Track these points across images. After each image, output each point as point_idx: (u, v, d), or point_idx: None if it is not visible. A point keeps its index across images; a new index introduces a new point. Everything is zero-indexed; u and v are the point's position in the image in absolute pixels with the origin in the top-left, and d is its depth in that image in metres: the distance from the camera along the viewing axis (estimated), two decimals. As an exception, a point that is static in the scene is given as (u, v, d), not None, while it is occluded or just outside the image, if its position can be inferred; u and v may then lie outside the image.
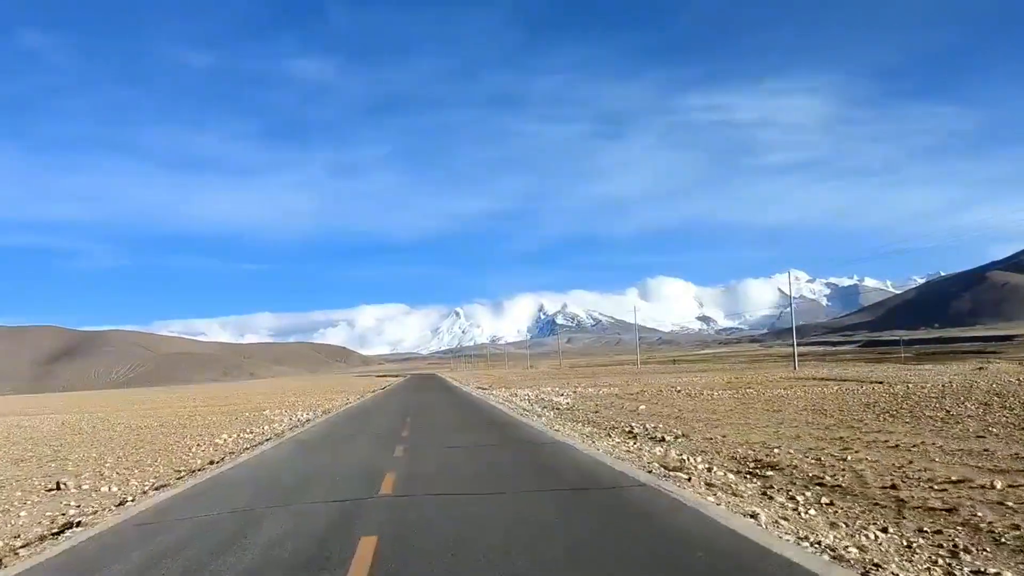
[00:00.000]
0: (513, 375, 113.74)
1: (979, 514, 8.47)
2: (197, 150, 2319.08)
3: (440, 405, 38.15)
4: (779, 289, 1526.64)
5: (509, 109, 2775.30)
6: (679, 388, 44.35)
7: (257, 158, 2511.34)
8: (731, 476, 11.82)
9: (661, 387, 46.74)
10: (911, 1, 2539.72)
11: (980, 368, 58.19)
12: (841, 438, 16.23)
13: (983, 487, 10.00)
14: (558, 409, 30.36)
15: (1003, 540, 7.44)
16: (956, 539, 7.51)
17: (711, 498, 9.78)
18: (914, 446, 14.38)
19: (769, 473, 12.02)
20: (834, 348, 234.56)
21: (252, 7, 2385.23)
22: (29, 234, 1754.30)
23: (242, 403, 58.95)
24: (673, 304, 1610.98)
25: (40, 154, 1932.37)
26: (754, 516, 8.54)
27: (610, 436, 18.79)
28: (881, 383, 39.55)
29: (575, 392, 45.21)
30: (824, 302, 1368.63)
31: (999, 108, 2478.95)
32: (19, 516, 11.82)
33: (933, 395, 28.30)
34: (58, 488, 14.50)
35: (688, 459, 13.52)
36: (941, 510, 8.86)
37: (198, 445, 22.23)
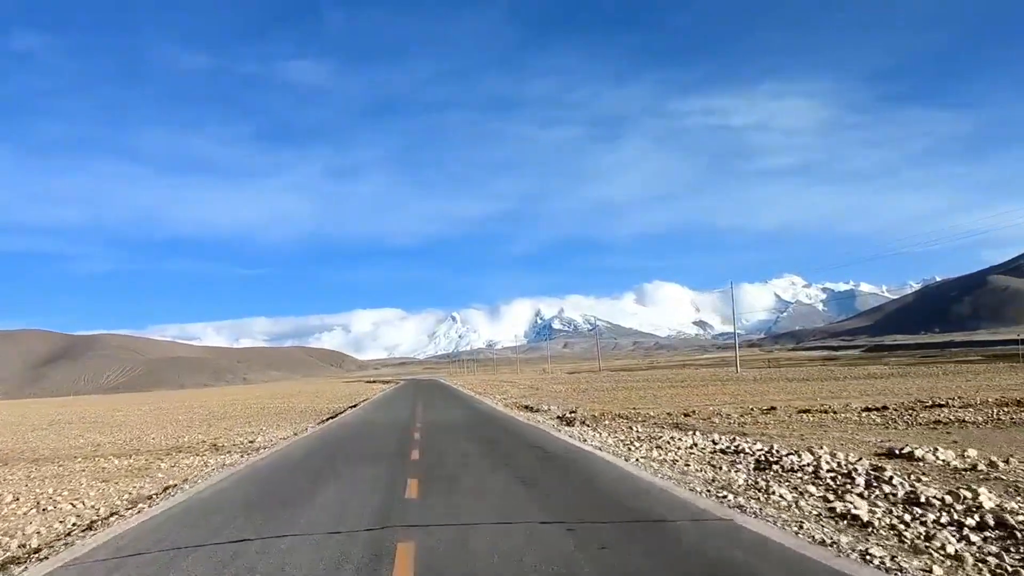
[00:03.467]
0: (546, 383, 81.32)
1: None
2: (192, 152, 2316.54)
3: None
4: (775, 294, 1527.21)
5: (505, 112, 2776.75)
6: None
7: (253, 161, 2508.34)
8: None
9: None
10: (906, 5, 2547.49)
11: None
12: None
13: None
14: None
15: None
16: None
17: None
18: None
19: None
20: (836, 352, 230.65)
21: (247, 9, 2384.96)
22: (23, 237, 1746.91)
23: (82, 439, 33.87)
24: (670, 309, 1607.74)
25: (34, 156, 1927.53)
26: None
27: None
28: None
29: None
30: (820, 307, 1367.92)
31: (995, 112, 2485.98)
32: None
33: None
34: None
35: None
36: None
37: None
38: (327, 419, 37.00)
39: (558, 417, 29.86)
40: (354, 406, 49.76)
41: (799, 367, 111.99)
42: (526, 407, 38.53)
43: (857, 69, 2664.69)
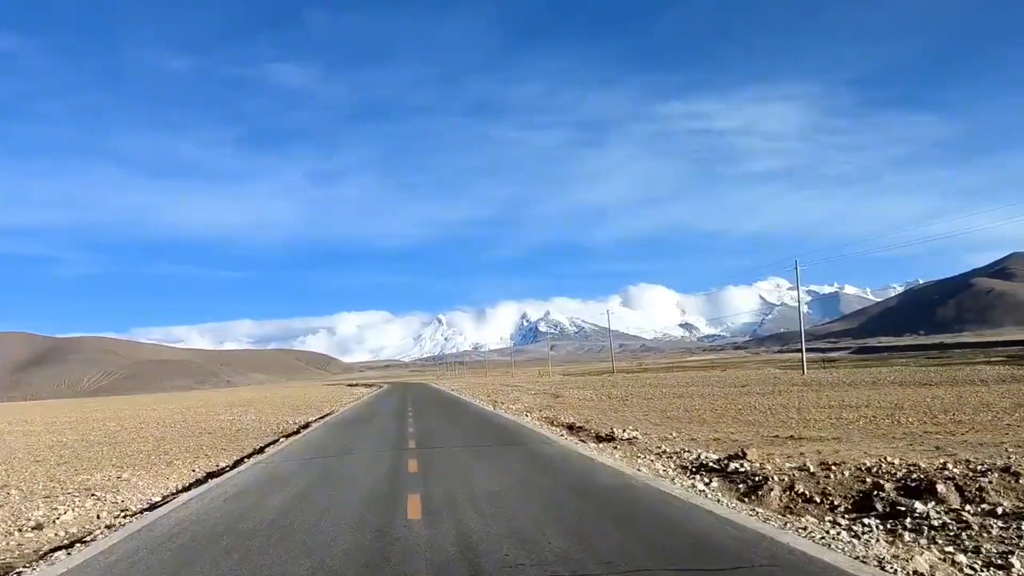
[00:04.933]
0: (564, 389, 64.61)
1: None
2: (176, 156, 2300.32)
3: None
4: (760, 296, 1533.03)
5: (490, 116, 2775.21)
6: None
7: (237, 164, 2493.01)
8: None
9: None
10: (890, 11, 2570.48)
11: None
12: None
13: None
14: None
15: None
16: None
17: None
18: None
19: None
20: (826, 354, 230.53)
21: (231, 12, 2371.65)
22: (4, 240, 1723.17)
23: None
24: (655, 312, 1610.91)
25: (15, 159, 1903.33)
26: None
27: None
28: None
29: None
30: (805, 309, 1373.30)
31: (977, 116, 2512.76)
32: None
33: None
34: None
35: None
36: None
37: None
38: (250, 454, 22.02)
39: (705, 467, 13.96)
40: (306, 426, 33.48)
41: (866, 368, 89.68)
42: (571, 427, 24.60)
43: (840, 74, 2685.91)
